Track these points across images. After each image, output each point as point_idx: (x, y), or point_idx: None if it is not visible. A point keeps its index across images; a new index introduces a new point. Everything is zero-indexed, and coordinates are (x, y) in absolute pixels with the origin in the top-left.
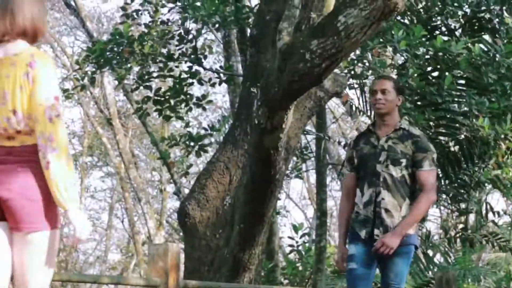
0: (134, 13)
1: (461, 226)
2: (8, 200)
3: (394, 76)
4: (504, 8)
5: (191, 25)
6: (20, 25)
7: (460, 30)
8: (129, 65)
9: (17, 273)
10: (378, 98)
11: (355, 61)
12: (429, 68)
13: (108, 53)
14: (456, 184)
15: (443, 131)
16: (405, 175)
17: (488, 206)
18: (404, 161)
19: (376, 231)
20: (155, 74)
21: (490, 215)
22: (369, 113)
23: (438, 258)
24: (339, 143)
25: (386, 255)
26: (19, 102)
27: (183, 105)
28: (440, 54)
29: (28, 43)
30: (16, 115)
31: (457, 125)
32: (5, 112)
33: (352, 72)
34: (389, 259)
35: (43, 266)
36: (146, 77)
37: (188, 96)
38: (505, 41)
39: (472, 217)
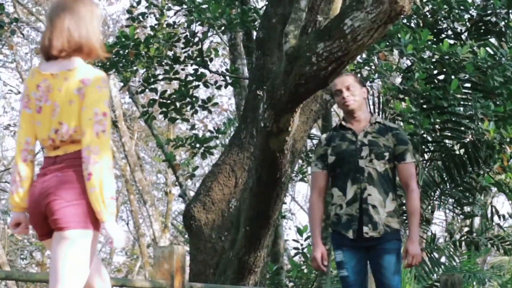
0: (140, 16)
1: (466, 229)
2: (48, 203)
3: (399, 80)
4: (510, 11)
5: (197, 27)
6: (76, 42)
7: (466, 34)
8: (134, 68)
9: (52, 269)
10: (345, 96)
11: (361, 64)
12: (435, 72)
13: (114, 56)
14: (461, 188)
15: (449, 134)
16: (388, 169)
17: (494, 209)
18: (387, 154)
19: (365, 229)
20: (160, 77)
21: (496, 218)
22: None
23: (443, 261)
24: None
25: (378, 255)
26: (67, 115)
27: (188, 107)
28: (446, 57)
29: (83, 60)
30: (63, 126)
31: (463, 128)
32: (54, 124)
33: (358, 76)
34: (382, 258)
35: (77, 265)
36: (152, 79)
37: (193, 98)
38: (511, 44)
39: (477, 220)
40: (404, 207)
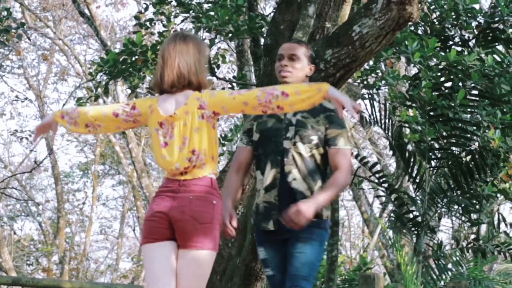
0: (148, 22)
1: (473, 236)
2: (180, 221)
3: (405, 88)
4: None
5: (204, 34)
6: (186, 78)
7: (474, 41)
8: (142, 74)
9: (178, 284)
10: (283, 64)
11: (368, 71)
12: (441, 79)
13: (121, 64)
14: (468, 195)
15: (455, 141)
16: (315, 155)
17: (501, 217)
18: (315, 138)
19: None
20: None
21: (502, 225)
22: (381, 123)
23: (450, 268)
24: (351, 154)
25: (291, 243)
26: (198, 142)
27: None
28: (454, 65)
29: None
30: (195, 153)
31: (469, 136)
32: (186, 154)
33: (365, 82)
34: (295, 246)
35: (199, 280)
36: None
37: None
38: None
39: (484, 227)
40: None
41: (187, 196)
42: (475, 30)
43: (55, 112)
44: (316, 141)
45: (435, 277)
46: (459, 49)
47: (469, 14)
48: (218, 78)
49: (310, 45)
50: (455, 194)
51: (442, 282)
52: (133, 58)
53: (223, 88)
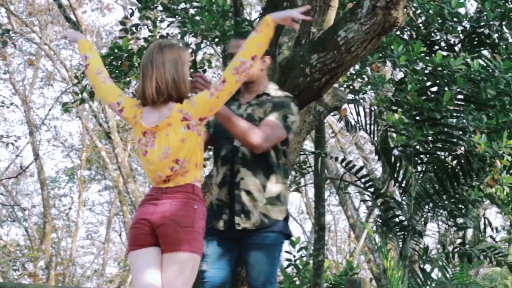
0: (134, 27)
1: (459, 241)
2: (161, 225)
3: (391, 92)
4: (503, 23)
5: (190, 39)
6: (163, 91)
7: (459, 45)
8: (128, 79)
9: (154, 284)
10: None
11: (354, 76)
12: (428, 83)
13: (107, 67)
14: (454, 199)
15: (441, 146)
16: (270, 149)
17: (486, 221)
18: None
19: (237, 219)
20: None
21: (488, 230)
22: (366, 128)
23: (436, 273)
24: (336, 159)
25: (245, 250)
26: (181, 153)
27: None
28: (439, 69)
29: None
30: (178, 162)
31: (455, 140)
32: (168, 163)
33: (351, 87)
34: (248, 254)
35: (183, 283)
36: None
37: None
38: (504, 56)
39: (470, 232)
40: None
41: (168, 202)
42: (460, 35)
43: (84, 43)
44: None
45: (421, 283)
46: (445, 53)
47: (454, 19)
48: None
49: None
50: (441, 198)
51: (428, 287)
52: (119, 62)
53: None
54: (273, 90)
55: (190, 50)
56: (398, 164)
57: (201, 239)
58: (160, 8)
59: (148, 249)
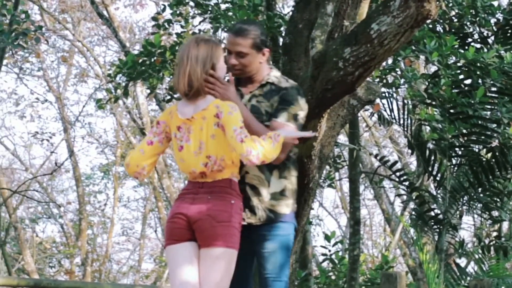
0: (166, 23)
1: (494, 234)
2: (198, 221)
3: (424, 86)
4: None
5: (222, 34)
6: (194, 86)
7: (492, 38)
8: (161, 75)
9: (200, 283)
10: (231, 63)
11: (387, 71)
12: (461, 77)
13: (140, 66)
14: (489, 192)
15: (475, 138)
16: None
17: None
18: (269, 124)
19: (242, 214)
20: None
21: None
22: (400, 122)
23: (472, 266)
24: (371, 153)
25: (258, 242)
26: (213, 148)
27: None
28: (472, 63)
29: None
30: (210, 159)
31: (489, 133)
32: (202, 159)
33: (384, 81)
34: (260, 246)
35: (221, 278)
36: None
37: None
38: None
39: (505, 225)
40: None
41: (205, 196)
42: (493, 27)
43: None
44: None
45: (456, 277)
46: (478, 46)
47: (487, 11)
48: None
49: (258, 28)
50: (476, 191)
51: (463, 281)
52: (152, 59)
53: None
54: (276, 78)
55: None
56: (432, 158)
57: (237, 234)
58: (192, 4)
59: (184, 244)
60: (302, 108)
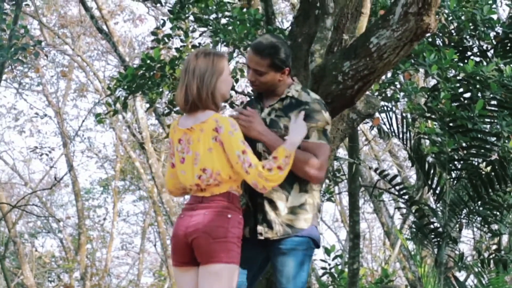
0: (165, 38)
1: (494, 247)
2: (195, 238)
3: (423, 100)
4: None
5: (222, 48)
6: (191, 99)
7: (492, 51)
8: (160, 89)
9: None
10: (249, 78)
11: (386, 84)
12: (460, 90)
13: (139, 79)
14: (488, 205)
15: (475, 151)
16: None
17: None
18: None
19: (259, 228)
20: None
21: None
22: (399, 135)
23: (471, 279)
24: (370, 167)
25: (274, 255)
26: (208, 161)
27: None
28: (472, 76)
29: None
30: (206, 172)
31: (489, 146)
32: (197, 171)
33: (383, 95)
34: (276, 260)
35: None
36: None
37: None
38: None
39: (505, 238)
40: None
41: (202, 212)
42: (493, 41)
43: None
44: None
45: None
46: (477, 59)
47: (487, 25)
48: (236, 92)
49: (278, 47)
50: (475, 204)
51: None
52: (151, 73)
53: (241, 102)
54: (296, 91)
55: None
56: (432, 171)
57: (235, 248)
58: (191, 18)
59: (188, 269)
60: (328, 122)
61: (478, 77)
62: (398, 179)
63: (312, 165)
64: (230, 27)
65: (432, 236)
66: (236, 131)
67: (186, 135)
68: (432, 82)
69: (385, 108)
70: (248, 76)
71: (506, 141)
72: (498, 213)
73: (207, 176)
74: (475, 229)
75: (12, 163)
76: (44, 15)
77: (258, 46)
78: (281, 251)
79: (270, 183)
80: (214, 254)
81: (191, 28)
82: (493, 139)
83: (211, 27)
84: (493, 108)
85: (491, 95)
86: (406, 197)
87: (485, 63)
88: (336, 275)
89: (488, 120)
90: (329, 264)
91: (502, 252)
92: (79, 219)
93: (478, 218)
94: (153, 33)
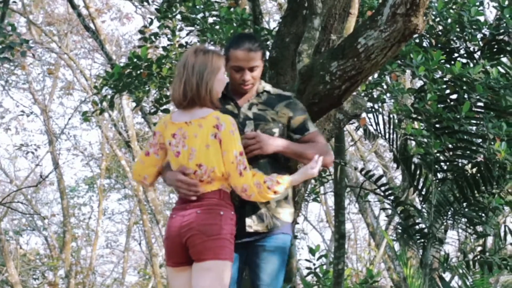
0: (153, 36)
1: (479, 248)
2: (190, 237)
3: (410, 101)
4: None
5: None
6: (189, 95)
7: (479, 53)
8: (147, 88)
9: None
10: (246, 79)
11: (373, 85)
12: (447, 91)
13: (126, 78)
14: (474, 207)
15: (461, 153)
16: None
17: (507, 229)
18: (276, 131)
19: (248, 221)
20: None
21: (509, 237)
22: (385, 136)
23: (456, 281)
24: (356, 168)
25: (256, 252)
26: (205, 158)
27: None
28: (458, 78)
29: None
30: (201, 168)
31: (475, 148)
32: (192, 166)
33: (370, 96)
34: (259, 256)
35: (210, 286)
36: (164, 100)
37: None
38: None
39: (490, 240)
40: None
41: (194, 211)
42: (480, 42)
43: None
44: (277, 134)
45: None
46: (464, 61)
47: (474, 26)
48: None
49: (262, 45)
50: (461, 206)
51: None
52: (138, 72)
53: None
54: (269, 87)
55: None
56: (418, 172)
57: (229, 245)
58: (179, 17)
59: (184, 270)
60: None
61: (465, 79)
62: (384, 180)
63: (328, 152)
64: (217, 27)
65: (418, 237)
66: (236, 131)
67: (181, 130)
68: (419, 83)
69: (372, 109)
70: (244, 77)
71: (492, 143)
72: (483, 215)
73: (202, 172)
74: (460, 231)
75: None
76: (31, 12)
77: (250, 43)
78: (266, 248)
79: (258, 196)
80: (208, 251)
81: (178, 27)
82: (479, 141)
83: (198, 26)
84: (479, 110)
85: (478, 97)
86: (392, 197)
87: (472, 65)
88: (321, 275)
89: (474, 122)
90: (314, 264)
91: (487, 254)
92: (64, 217)
93: (464, 220)
94: (140, 32)
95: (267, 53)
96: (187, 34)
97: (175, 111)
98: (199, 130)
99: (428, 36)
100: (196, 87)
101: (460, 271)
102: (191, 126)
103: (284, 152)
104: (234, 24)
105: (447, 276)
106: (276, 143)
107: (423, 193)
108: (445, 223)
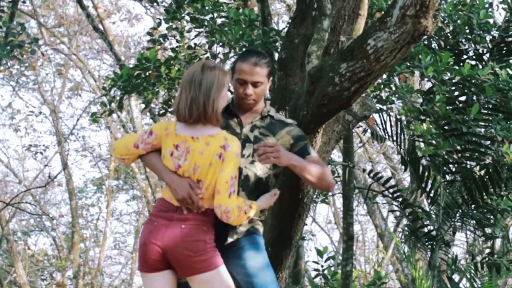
0: (161, 38)
1: (487, 251)
2: (174, 253)
3: (419, 101)
4: None
5: (218, 49)
6: (195, 113)
7: (488, 55)
8: (156, 89)
9: None
10: (248, 93)
11: (382, 86)
12: (456, 93)
13: (134, 79)
14: (482, 209)
15: (469, 155)
16: (271, 176)
17: None
18: None
19: (229, 240)
20: None
21: None
22: (393, 138)
23: (464, 283)
24: (364, 170)
25: (234, 256)
26: (205, 175)
27: None
28: (467, 79)
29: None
30: (200, 183)
31: (483, 150)
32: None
33: (378, 97)
34: (242, 255)
35: None
36: (173, 101)
37: None
38: None
39: (498, 242)
40: None
41: (179, 225)
42: (489, 44)
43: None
44: None
45: None
46: (473, 63)
47: (483, 28)
48: (232, 92)
49: (270, 61)
50: (469, 208)
51: None
52: (147, 73)
53: None
54: (273, 111)
55: (218, 61)
56: (426, 174)
57: (214, 253)
58: (187, 18)
59: (161, 274)
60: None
61: (473, 81)
62: (392, 182)
63: (329, 174)
64: (226, 28)
65: (426, 239)
66: (239, 156)
67: (185, 143)
68: (428, 84)
69: (380, 110)
70: (246, 91)
71: (500, 145)
72: (491, 217)
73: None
74: (468, 233)
75: (7, 161)
76: (42, 15)
77: (256, 57)
78: (247, 245)
79: (236, 220)
80: (199, 266)
81: (186, 28)
82: (488, 143)
83: (207, 28)
84: (488, 112)
85: (486, 99)
86: (400, 199)
87: (480, 67)
88: (329, 277)
89: (483, 124)
90: (322, 266)
91: (495, 256)
92: (72, 217)
93: (472, 222)
94: (149, 34)
95: (276, 55)
96: (196, 36)
97: (179, 124)
98: (206, 148)
99: (437, 37)
100: (203, 105)
101: (468, 273)
102: (197, 143)
103: (294, 167)
104: (243, 25)
105: (455, 278)
106: (291, 157)
107: (431, 195)
108: (453, 225)
